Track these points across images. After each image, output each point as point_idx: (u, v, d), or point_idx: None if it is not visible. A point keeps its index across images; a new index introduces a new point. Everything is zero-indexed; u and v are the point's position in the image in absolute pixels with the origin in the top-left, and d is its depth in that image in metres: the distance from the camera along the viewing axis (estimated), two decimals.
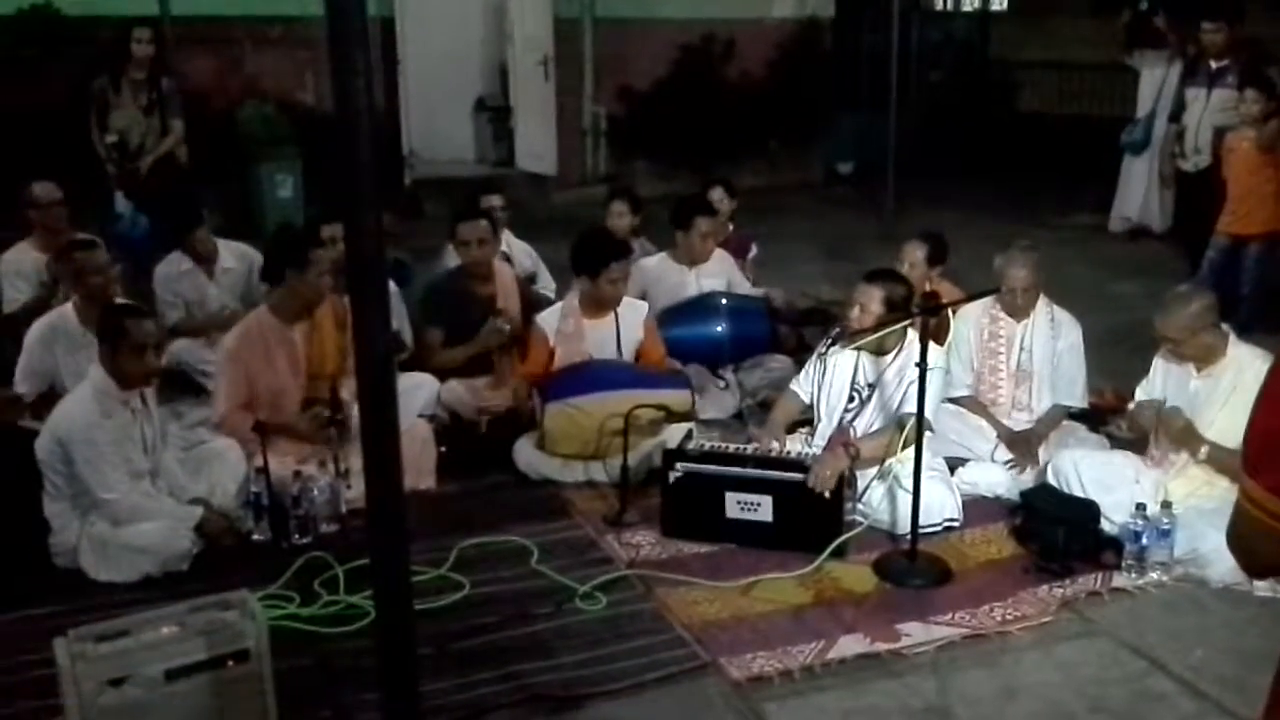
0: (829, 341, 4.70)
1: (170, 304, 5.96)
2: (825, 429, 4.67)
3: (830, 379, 4.69)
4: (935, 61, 13.73)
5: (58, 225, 5.81)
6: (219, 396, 4.70)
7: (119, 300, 4.83)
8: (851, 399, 4.64)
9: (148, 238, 7.09)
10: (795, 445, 4.62)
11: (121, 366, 4.09)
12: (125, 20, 7.32)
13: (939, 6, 14.89)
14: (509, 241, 6.49)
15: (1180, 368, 4.37)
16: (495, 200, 6.40)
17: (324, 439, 4.61)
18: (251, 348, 4.66)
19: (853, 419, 4.61)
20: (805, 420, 4.86)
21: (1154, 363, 4.53)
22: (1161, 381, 4.46)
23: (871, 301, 4.52)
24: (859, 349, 4.59)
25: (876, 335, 4.46)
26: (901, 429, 4.34)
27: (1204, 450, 4.18)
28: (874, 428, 4.54)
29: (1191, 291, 4.37)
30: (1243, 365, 4.18)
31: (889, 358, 4.56)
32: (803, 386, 4.80)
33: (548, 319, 5.23)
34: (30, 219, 5.86)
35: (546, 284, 6.55)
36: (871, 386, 4.59)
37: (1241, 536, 1.54)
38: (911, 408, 4.21)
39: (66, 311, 5.00)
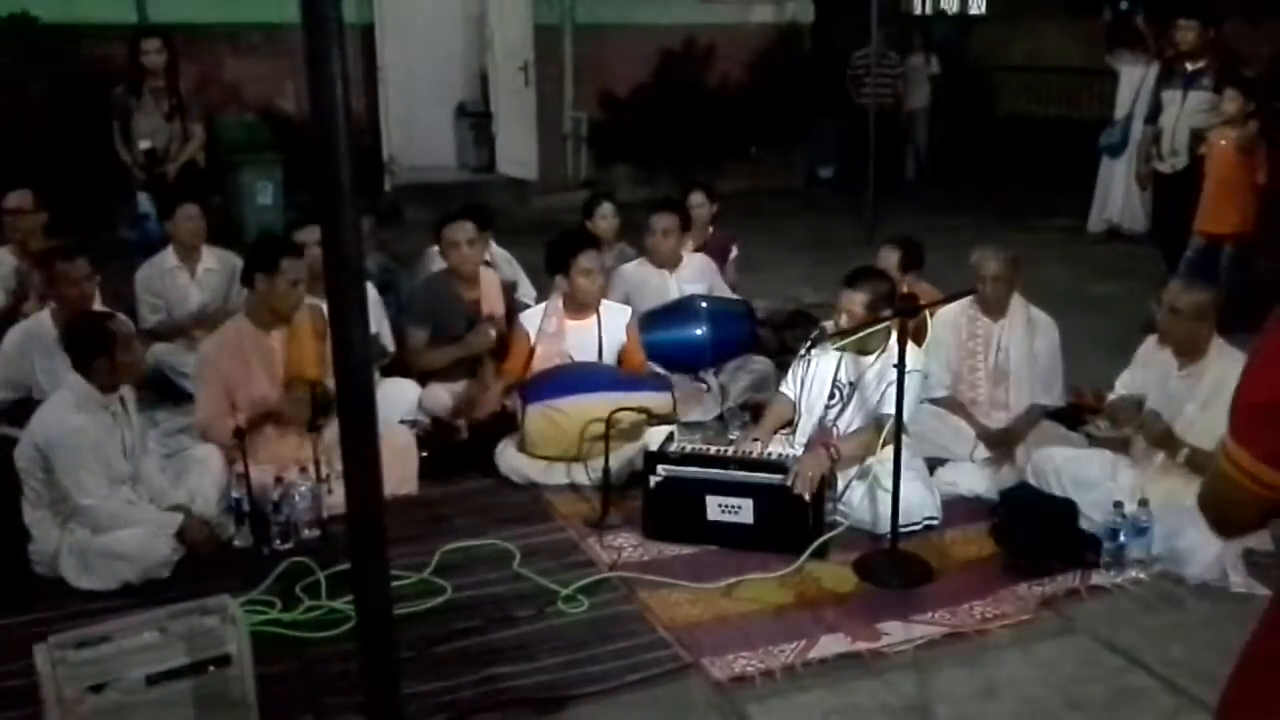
0: (810, 343, 4.71)
1: (151, 306, 5.95)
2: (806, 425, 4.69)
3: (813, 376, 4.71)
4: None
5: (29, 233, 5.82)
6: (199, 404, 4.69)
7: (98, 309, 4.83)
8: (833, 396, 4.66)
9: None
10: (776, 446, 4.63)
11: (99, 372, 4.07)
12: (102, 28, 7.29)
13: (918, 10, 14.94)
14: (490, 249, 6.50)
15: (1161, 364, 4.40)
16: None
17: (305, 420, 4.59)
18: (229, 355, 4.65)
19: (835, 417, 4.63)
20: (789, 421, 4.88)
21: (1136, 356, 4.57)
22: (1142, 376, 4.50)
23: (855, 305, 4.55)
24: (842, 349, 4.61)
25: (857, 336, 4.48)
26: (880, 429, 4.36)
27: (1183, 453, 4.20)
28: (854, 426, 4.57)
29: (1208, 285, 4.48)
30: (1225, 367, 4.18)
31: (871, 358, 4.59)
32: (790, 388, 4.82)
33: (530, 318, 5.26)
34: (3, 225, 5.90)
35: (527, 292, 6.55)
36: (853, 385, 4.62)
37: (1217, 496, 1.53)
38: (890, 409, 4.23)
39: (44, 319, 5.00)
